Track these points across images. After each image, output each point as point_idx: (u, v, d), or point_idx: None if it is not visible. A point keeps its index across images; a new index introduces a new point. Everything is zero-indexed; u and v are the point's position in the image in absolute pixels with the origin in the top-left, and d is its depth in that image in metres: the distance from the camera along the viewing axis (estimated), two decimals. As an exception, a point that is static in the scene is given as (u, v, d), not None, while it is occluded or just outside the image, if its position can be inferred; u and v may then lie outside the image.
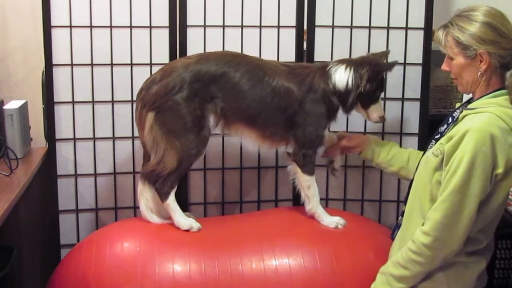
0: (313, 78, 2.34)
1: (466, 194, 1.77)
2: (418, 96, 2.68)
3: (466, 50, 1.86)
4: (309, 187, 2.37)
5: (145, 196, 2.35)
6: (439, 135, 2.02)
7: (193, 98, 2.25)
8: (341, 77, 2.32)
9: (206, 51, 2.60)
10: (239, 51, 2.63)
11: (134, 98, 2.61)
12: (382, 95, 2.44)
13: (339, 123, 2.51)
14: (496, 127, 1.77)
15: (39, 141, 2.68)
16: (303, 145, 2.34)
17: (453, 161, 1.79)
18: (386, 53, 2.44)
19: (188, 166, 2.34)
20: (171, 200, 2.30)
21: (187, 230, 2.26)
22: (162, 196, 2.30)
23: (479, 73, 1.87)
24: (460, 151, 1.78)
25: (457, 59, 1.90)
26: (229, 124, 2.34)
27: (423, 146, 2.67)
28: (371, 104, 2.38)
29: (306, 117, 2.32)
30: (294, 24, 2.66)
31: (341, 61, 2.37)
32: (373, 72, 2.31)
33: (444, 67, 1.97)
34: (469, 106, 1.91)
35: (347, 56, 2.68)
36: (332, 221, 2.35)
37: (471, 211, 1.78)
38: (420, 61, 2.66)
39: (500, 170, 1.77)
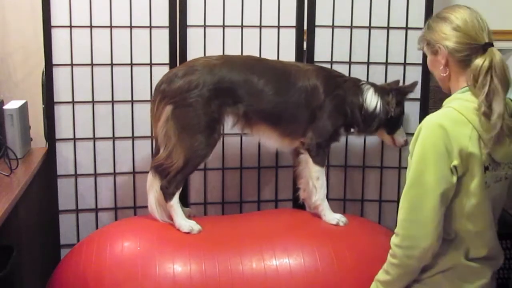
0: (345, 82, 2.42)
1: (423, 188, 1.75)
2: (418, 96, 2.68)
3: (429, 45, 1.90)
4: (318, 178, 2.39)
5: (155, 189, 2.35)
6: None
7: (214, 100, 2.28)
8: (372, 98, 2.41)
9: (206, 51, 2.61)
10: (239, 51, 2.64)
11: (134, 98, 2.62)
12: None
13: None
14: (447, 119, 1.77)
15: (39, 141, 2.68)
16: (319, 135, 2.37)
17: (412, 157, 1.80)
18: (397, 82, 2.54)
19: (194, 167, 2.35)
20: (175, 201, 2.31)
21: (188, 233, 2.27)
22: (167, 196, 2.30)
23: (441, 68, 1.88)
24: (416, 146, 1.79)
25: (428, 56, 1.95)
26: (251, 125, 2.38)
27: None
28: (396, 129, 2.47)
29: (328, 111, 2.36)
30: (294, 24, 2.66)
31: (369, 83, 2.45)
32: (399, 95, 2.42)
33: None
34: (443, 103, 1.92)
35: (347, 56, 2.70)
36: (334, 217, 2.36)
37: (434, 204, 1.74)
38: (420, 61, 2.66)
39: (456, 162, 1.74)
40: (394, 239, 1.82)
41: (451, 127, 1.75)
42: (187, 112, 2.27)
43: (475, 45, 1.82)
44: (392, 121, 2.44)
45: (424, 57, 2.64)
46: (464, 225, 1.82)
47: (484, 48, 1.82)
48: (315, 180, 2.39)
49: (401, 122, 2.49)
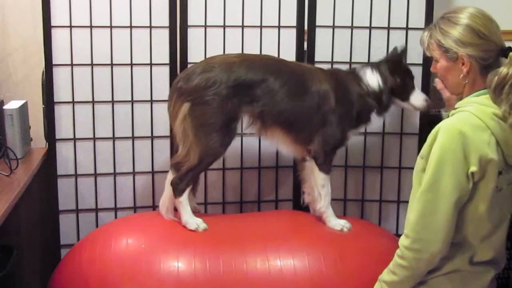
0: (347, 82, 2.41)
1: (438, 193, 1.75)
2: (419, 96, 2.67)
3: (447, 53, 1.86)
4: (323, 186, 2.38)
5: None
6: None
7: (232, 99, 2.26)
8: (371, 78, 2.41)
9: (207, 51, 2.61)
10: (240, 51, 2.64)
11: (134, 98, 2.62)
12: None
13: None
14: (467, 124, 1.76)
15: (39, 141, 2.68)
16: (327, 143, 2.36)
17: (428, 161, 1.79)
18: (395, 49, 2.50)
19: (207, 166, 2.33)
20: (184, 198, 2.30)
21: (193, 230, 2.26)
22: (177, 192, 2.29)
23: (461, 76, 1.86)
24: (433, 150, 1.78)
25: (441, 62, 1.90)
26: (266, 127, 2.36)
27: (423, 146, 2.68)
28: (409, 94, 2.45)
29: (337, 117, 2.35)
30: (294, 24, 2.66)
31: (364, 65, 2.46)
32: (391, 64, 2.42)
33: (433, 69, 1.97)
34: (456, 106, 1.90)
35: (348, 57, 2.70)
36: (338, 223, 2.35)
37: (447, 210, 1.74)
38: (420, 61, 2.66)
39: (474, 168, 1.74)
40: (403, 241, 1.81)
41: (471, 133, 1.74)
42: (204, 110, 2.25)
43: (498, 50, 1.82)
44: (399, 89, 2.43)
45: (425, 56, 2.64)
46: (474, 230, 1.82)
47: (504, 53, 1.81)
48: (320, 188, 2.38)
49: (411, 85, 2.45)
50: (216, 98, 2.24)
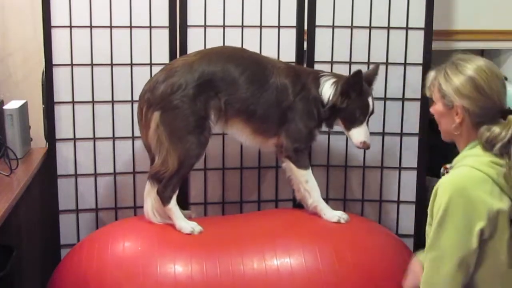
0: (307, 79, 2.39)
1: (440, 251, 1.72)
2: (418, 96, 2.67)
3: (444, 98, 1.82)
4: (307, 181, 2.38)
5: (153, 197, 2.35)
6: None
7: (199, 97, 2.27)
8: (327, 90, 2.36)
9: (206, 50, 2.61)
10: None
11: (134, 98, 2.62)
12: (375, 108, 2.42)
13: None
14: (467, 178, 1.72)
15: (39, 141, 2.68)
16: (294, 140, 2.36)
17: (432, 219, 1.76)
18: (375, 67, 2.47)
19: (189, 169, 2.35)
20: (173, 204, 2.31)
21: (189, 234, 2.26)
22: (164, 200, 2.30)
23: (453, 126, 1.82)
24: (435, 208, 1.75)
25: (438, 105, 1.87)
26: (227, 119, 2.36)
27: (423, 146, 2.68)
28: (352, 126, 2.36)
29: (298, 113, 2.35)
30: (294, 24, 2.66)
31: (331, 75, 2.40)
32: (345, 84, 2.31)
33: (431, 109, 1.93)
34: (453, 162, 1.86)
35: (348, 57, 2.69)
36: (334, 215, 2.36)
37: (451, 268, 1.70)
38: (420, 61, 2.66)
39: (482, 224, 1.69)
40: None
41: (472, 187, 1.71)
42: (174, 114, 2.26)
43: (496, 110, 1.78)
44: (345, 114, 2.34)
45: (425, 56, 2.65)
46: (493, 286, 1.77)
47: (503, 114, 1.78)
48: (304, 184, 2.38)
49: (359, 118, 2.35)
50: (185, 100, 2.25)
